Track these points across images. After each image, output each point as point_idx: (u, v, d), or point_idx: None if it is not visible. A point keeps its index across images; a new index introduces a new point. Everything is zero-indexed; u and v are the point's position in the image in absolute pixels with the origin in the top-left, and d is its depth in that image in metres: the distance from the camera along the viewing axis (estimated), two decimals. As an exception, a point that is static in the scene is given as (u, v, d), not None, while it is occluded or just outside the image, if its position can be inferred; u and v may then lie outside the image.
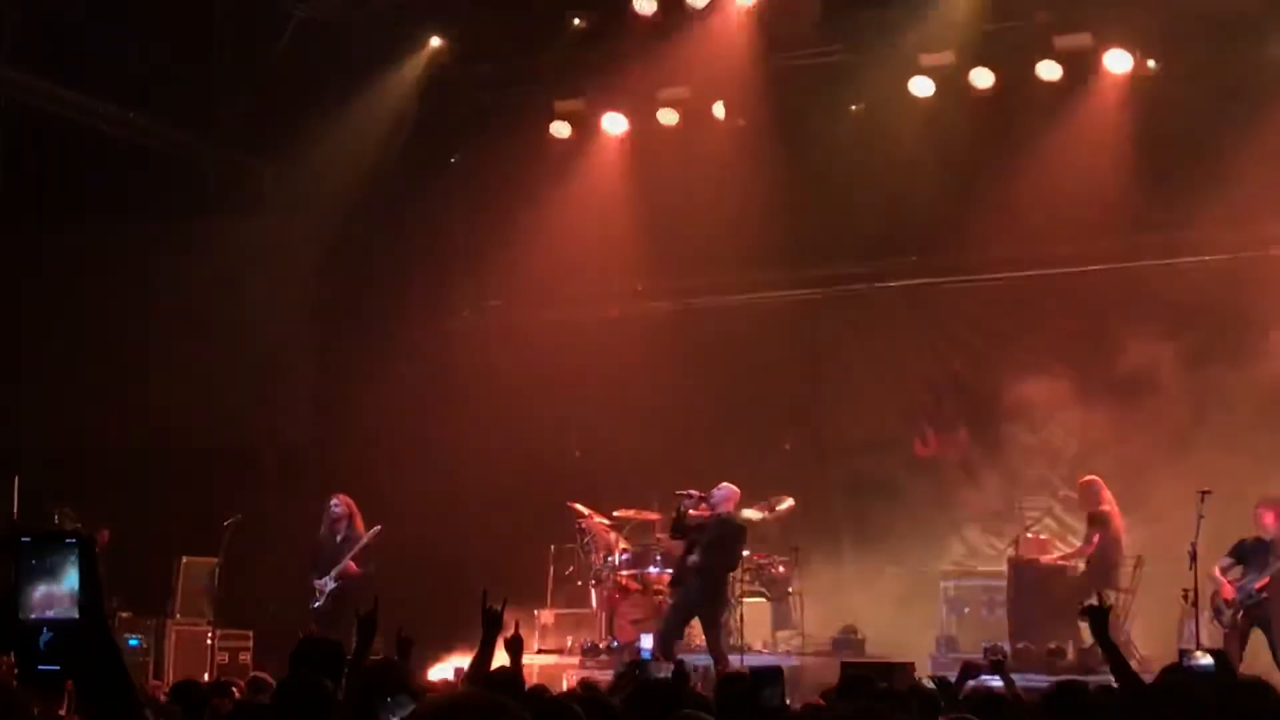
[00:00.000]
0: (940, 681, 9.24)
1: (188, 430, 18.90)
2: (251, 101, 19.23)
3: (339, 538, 16.85)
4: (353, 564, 16.66)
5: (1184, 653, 13.02)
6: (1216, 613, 14.86)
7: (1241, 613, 14.79)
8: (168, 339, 19.21)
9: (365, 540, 16.71)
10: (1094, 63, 18.02)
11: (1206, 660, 9.05)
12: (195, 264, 19.31)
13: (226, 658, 17.64)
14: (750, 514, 17.00)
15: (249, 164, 20.40)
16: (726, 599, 16.62)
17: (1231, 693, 7.12)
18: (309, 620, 16.43)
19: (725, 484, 16.52)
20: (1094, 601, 8.45)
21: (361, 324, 20.77)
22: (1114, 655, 7.97)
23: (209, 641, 17.47)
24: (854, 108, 19.18)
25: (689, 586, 16.28)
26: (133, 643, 17.29)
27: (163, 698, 9.45)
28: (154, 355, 19.23)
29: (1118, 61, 17.88)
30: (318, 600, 16.69)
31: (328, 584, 16.63)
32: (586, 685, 10.44)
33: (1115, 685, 8.15)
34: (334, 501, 16.96)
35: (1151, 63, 17.75)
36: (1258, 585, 14.68)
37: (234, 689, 10.09)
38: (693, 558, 16.11)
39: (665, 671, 9.60)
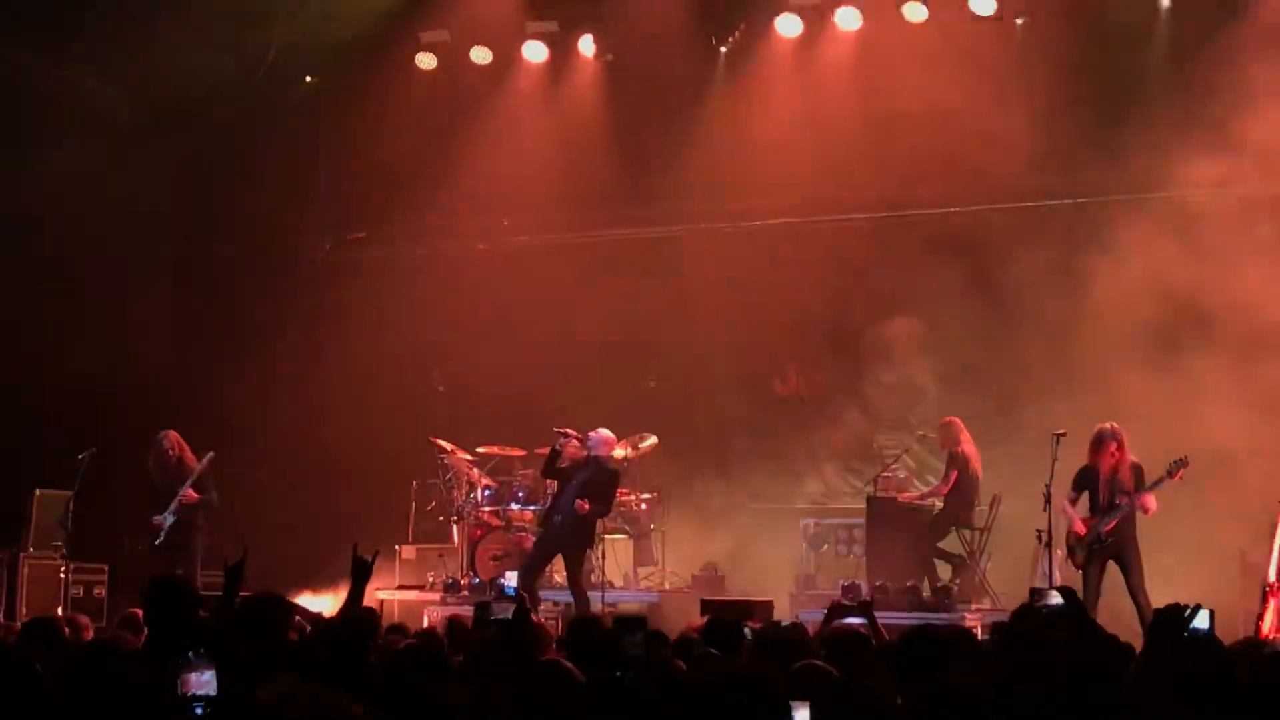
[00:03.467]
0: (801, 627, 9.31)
1: (42, 360, 18.56)
2: (109, 25, 18.76)
3: (170, 474, 16.61)
4: (191, 491, 16.45)
5: (1035, 591, 13.27)
6: (1071, 552, 15.08)
7: (1093, 552, 15.01)
8: (23, 268, 18.83)
9: (199, 468, 16.50)
10: (959, 4, 18.12)
11: (1057, 599, 9.19)
12: (50, 191, 18.90)
13: (81, 592, 17.46)
14: (614, 452, 17.02)
15: (102, 89, 19.95)
16: (593, 541, 16.66)
17: (1081, 635, 7.30)
18: (152, 559, 16.28)
19: (602, 429, 16.54)
20: (865, 598, 8.73)
21: (220, 255, 20.48)
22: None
23: (62, 575, 17.24)
24: (723, 49, 19.16)
25: (558, 525, 16.28)
26: (-15, 575, 17.09)
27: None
28: (7, 285, 18.84)
29: (982, 4, 18.00)
30: (159, 538, 16.47)
31: (167, 519, 16.40)
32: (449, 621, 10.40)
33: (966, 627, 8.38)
34: (165, 440, 16.70)
35: (1020, 21, 17.89)
36: (1105, 529, 14.89)
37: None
38: (579, 503, 16.06)
39: (504, 611, 9.51)
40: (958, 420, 17.08)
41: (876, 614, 9.41)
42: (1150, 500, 14.75)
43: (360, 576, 8.33)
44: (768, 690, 4.81)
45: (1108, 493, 14.93)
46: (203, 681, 6.50)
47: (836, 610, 9.63)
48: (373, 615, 8.47)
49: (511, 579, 15.90)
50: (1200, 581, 14.15)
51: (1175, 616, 6.04)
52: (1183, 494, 15.11)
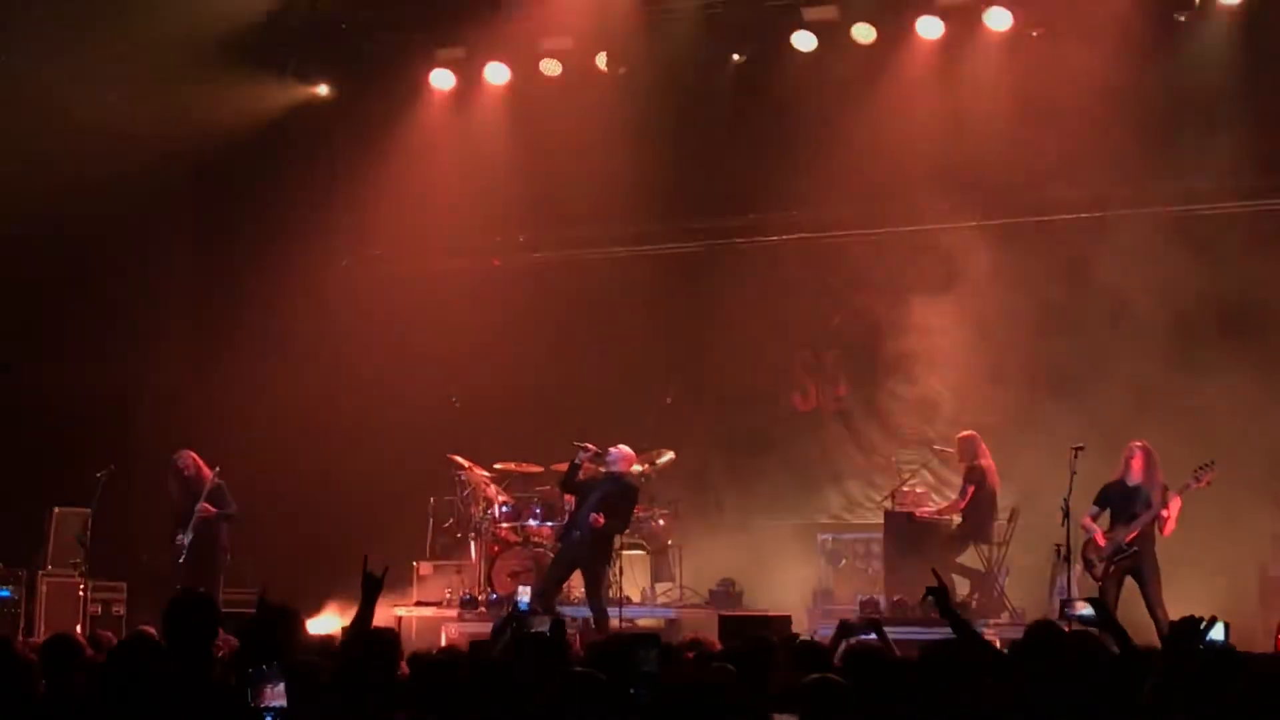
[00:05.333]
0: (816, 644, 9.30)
1: (59, 378, 18.62)
2: (126, 40, 18.80)
3: (188, 493, 16.60)
4: (207, 505, 16.42)
5: (1065, 601, 13.25)
6: (1087, 564, 15.06)
7: (1112, 565, 15.02)
8: (41, 286, 18.88)
9: (208, 485, 16.50)
10: (974, 20, 18.12)
11: (1087, 610, 9.19)
12: (68, 208, 18.95)
13: (99, 609, 17.48)
14: (632, 468, 17.01)
15: (120, 105, 19.98)
16: (611, 557, 16.65)
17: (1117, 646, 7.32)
18: (175, 577, 16.28)
19: (622, 445, 16.54)
20: (873, 614, 8.58)
21: (238, 271, 20.51)
22: (962, 628, 8.33)
23: (81, 593, 17.27)
24: (735, 57, 19.17)
25: (575, 541, 16.27)
26: (3, 594, 17.08)
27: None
28: (24, 302, 18.89)
29: (998, 19, 17.99)
30: (182, 557, 16.49)
31: (186, 538, 16.42)
32: (472, 644, 10.38)
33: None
34: (180, 459, 16.71)
35: (1035, 33, 17.87)
36: (1127, 539, 14.90)
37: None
38: (594, 516, 16.06)
39: (542, 625, 9.55)
40: (975, 434, 17.06)
41: (895, 629, 9.39)
42: (1174, 508, 14.73)
43: (371, 592, 8.30)
44: (743, 702, 4.80)
45: (1132, 506, 14.95)
46: (276, 694, 6.54)
47: (845, 627, 9.60)
48: (393, 635, 8.46)
49: (526, 594, 15.92)
50: (1218, 596, 14.16)
51: (1191, 628, 6.07)
52: (1200, 508, 15.12)
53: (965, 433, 17.19)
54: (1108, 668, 6.79)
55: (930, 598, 8.72)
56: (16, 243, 18.29)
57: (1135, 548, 14.89)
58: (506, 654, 8.77)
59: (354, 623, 8.29)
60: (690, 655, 8.59)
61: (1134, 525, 14.90)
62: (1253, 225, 17.16)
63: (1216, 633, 6.38)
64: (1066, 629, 8.67)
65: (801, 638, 10.03)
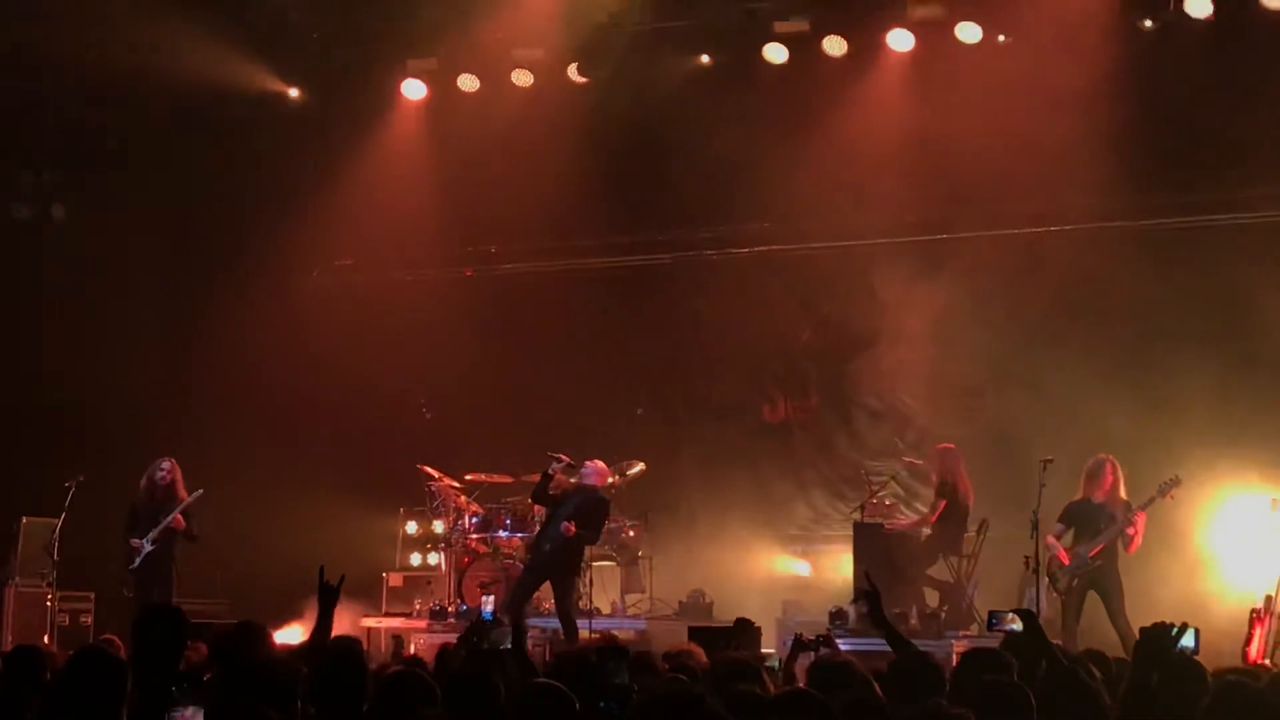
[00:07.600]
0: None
1: (29, 388, 18.54)
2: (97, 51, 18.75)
3: (158, 500, 16.45)
4: (180, 518, 16.26)
5: (993, 614, 13.31)
6: (1052, 579, 15.13)
7: (1076, 579, 15.11)
8: (9, 296, 18.83)
9: (189, 500, 16.36)
10: (945, 33, 18.14)
11: (1015, 624, 9.29)
12: (40, 215, 18.92)
13: (67, 619, 17.43)
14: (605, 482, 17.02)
15: (93, 112, 19.94)
16: (581, 569, 16.65)
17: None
18: (124, 582, 16.16)
19: (596, 460, 16.56)
20: (866, 586, 8.58)
21: (208, 282, 20.44)
22: (888, 631, 8.37)
23: (49, 603, 17.20)
24: (704, 59, 19.13)
25: (545, 552, 16.26)
26: (-30, 604, 17.05)
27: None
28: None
29: (969, 33, 18.01)
30: (134, 562, 16.30)
31: (145, 545, 16.24)
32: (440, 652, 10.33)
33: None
34: (163, 464, 16.56)
35: (1002, 37, 17.90)
36: (1091, 553, 15.01)
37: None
38: (565, 525, 16.06)
39: (504, 637, 9.51)
40: (953, 447, 17.04)
41: (867, 641, 9.40)
42: (1139, 525, 14.82)
43: (328, 602, 8.26)
44: (704, 710, 4.78)
45: (1096, 523, 15.04)
46: (189, 716, 6.47)
47: (799, 644, 9.61)
48: (355, 644, 8.42)
49: (490, 604, 15.91)
50: (1182, 608, 14.20)
51: (1163, 634, 6.10)
52: (1166, 518, 15.21)
53: (943, 445, 17.18)
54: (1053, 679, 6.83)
55: (860, 600, 8.73)
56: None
57: (1099, 562, 15.00)
58: (465, 665, 8.73)
59: (313, 634, 8.26)
60: (666, 668, 8.56)
61: (1099, 540, 15.01)
62: (1221, 238, 17.21)
63: (1187, 639, 6.39)
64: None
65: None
